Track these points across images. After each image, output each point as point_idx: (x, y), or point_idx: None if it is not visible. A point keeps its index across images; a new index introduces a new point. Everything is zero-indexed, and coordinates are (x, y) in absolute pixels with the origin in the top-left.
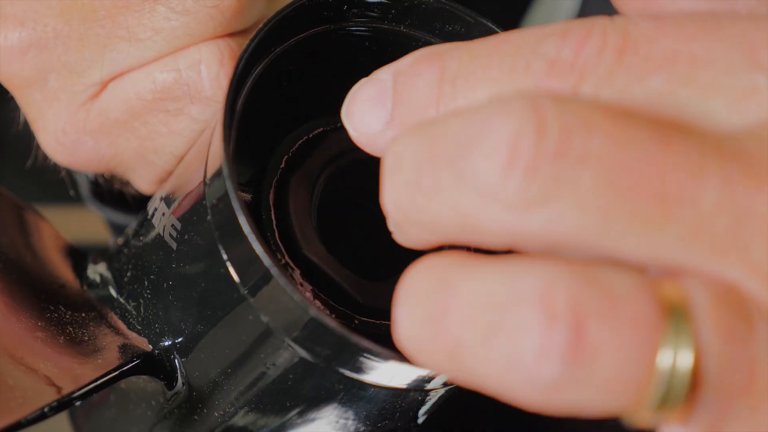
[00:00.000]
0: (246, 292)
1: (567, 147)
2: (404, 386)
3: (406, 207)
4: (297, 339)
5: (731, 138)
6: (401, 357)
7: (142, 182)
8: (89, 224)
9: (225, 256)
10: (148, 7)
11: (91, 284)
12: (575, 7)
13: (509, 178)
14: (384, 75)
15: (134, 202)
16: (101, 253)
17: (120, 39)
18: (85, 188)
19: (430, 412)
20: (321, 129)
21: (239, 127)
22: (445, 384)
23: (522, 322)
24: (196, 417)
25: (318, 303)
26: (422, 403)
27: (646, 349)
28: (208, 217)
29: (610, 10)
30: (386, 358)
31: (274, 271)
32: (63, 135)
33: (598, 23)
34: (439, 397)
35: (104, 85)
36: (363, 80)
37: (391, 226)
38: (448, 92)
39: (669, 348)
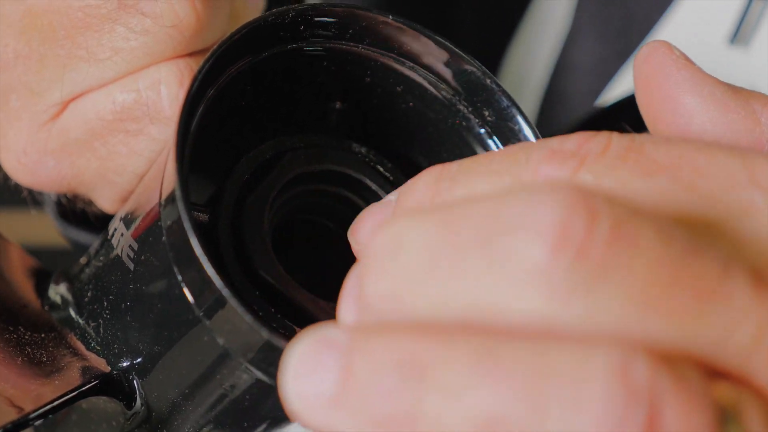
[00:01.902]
0: (201, 313)
1: (619, 234)
2: None
3: (402, 294)
4: (252, 360)
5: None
6: None
7: (104, 201)
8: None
9: (180, 278)
10: (108, 27)
11: (53, 305)
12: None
13: (558, 261)
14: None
15: (97, 222)
16: (63, 273)
17: (79, 59)
18: (51, 209)
19: None
20: (280, 149)
21: (197, 148)
22: None
23: (592, 397)
24: None
25: (275, 324)
26: None
27: None
28: (164, 238)
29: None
30: None
31: (226, 293)
32: (24, 155)
33: (604, 132)
34: None
35: (65, 105)
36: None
37: (365, 313)
38: (445, 187)
39: None
